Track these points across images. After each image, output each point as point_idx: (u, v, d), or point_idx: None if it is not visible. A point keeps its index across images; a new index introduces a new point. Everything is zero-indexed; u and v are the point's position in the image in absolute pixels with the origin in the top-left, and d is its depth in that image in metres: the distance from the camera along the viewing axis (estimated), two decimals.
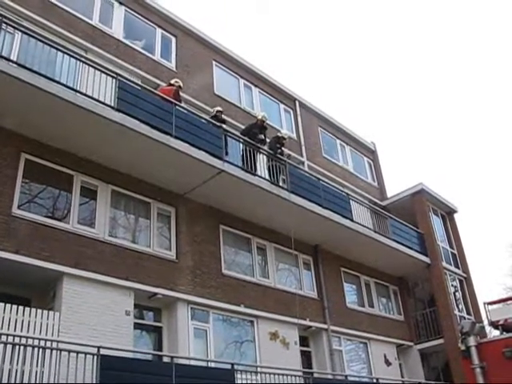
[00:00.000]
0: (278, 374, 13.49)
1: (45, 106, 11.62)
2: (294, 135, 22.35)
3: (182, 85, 15.65)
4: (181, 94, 15.67)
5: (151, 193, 14.56)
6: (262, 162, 16.62)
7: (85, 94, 12.23)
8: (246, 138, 16.38)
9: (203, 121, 15.43)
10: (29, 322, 10.46)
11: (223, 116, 16.74)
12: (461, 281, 24.91)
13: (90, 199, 13.27)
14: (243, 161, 15.78)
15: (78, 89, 12.21)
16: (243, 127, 17.85)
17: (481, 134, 77.09)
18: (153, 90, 14.64)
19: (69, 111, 11.87)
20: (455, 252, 25.76)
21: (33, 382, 9.30)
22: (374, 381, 17.58)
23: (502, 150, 74.01)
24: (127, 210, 14.25)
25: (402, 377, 21.39)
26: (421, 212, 24.41)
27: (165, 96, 14.40)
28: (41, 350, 9.67)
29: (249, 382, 12.81)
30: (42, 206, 12.33)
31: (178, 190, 15.08)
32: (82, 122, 12.19)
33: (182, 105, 15.36)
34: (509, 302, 8.99)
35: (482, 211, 68.50)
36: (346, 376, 16.71)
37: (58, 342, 10.24)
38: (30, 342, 9.66)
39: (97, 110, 12.21)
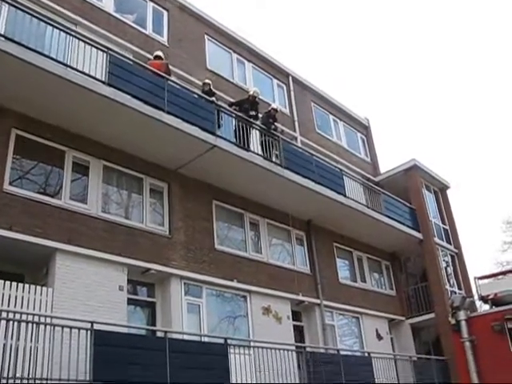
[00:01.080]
0: (271, 349, 13.62)
1: (35, 80, 11.47)
2: (287, 111, 22.26)
3: (162, 55, 15.54)
4: (173, 68, 15.54)
5: (144, 168, 14.51)
6: (254, 137, 16.56)
7: (75, 69, 12.09)
8: (239, 114, 16.30)
9: (195, 96, 15.34)
10: (22, 297, 10.48)
11: (212, 89, 16.56)
12: (452, 256, 25.11)
13: (82, 175, 13.21)
14: (236, 136, 15.71)
15: (68, 63, 12.06)
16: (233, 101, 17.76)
17: (475, 109, 77.03)
18: (144, 64, 14.48)
19: (59, 86, 11.74)
20: (447, 228, 25.92)
21: (27, 357, 9.34)
22: (366, 355, 17.75)
23: (497, 125, 74.04)
24: (120, 185, 14.21)
25: (394, 351, 21.62)
26: (413, 188, 24.48)
27: (156, 71, 14.27)
28: (35, 325, 9.70)
29: (242, 356, 12.92)
30: (33, 183, 12.27)
31: (171, 165, 15.04)
32: (72, 97, 12.06)
33: (174, 79, 15.25)
34: (499, 276, 9.07)
35: (475, 187, 68.74)
36: (338, 350, 16.88)
37: (51, 317, 10.28)
38: (23, 317, 9.69)
39: (88, 84, 12.08)
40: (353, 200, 19.59)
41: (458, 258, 25.32)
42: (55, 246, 11.72)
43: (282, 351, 13.90)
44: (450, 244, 25.36)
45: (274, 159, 16.69)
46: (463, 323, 7.34)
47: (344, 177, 20.01)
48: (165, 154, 14.50)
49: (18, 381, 9.13)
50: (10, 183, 11.70)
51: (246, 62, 21.21)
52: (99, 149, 13.53)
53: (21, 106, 12.06)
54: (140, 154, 14.33)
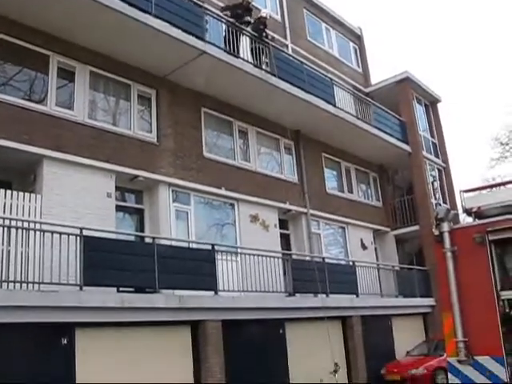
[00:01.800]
0: (258, 255, 13.93)
1: None
2: (279, 17, 21.61)
3: None
4: None
5: (131, 74, 14.18)
6: (245, 44, 16.16)
7: None
8: (229, 19, 15.83)
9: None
10: (11, 204, 10.53)
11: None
12: (440, 170, 25.35)
13: (68, 81, 12.89)
14: (226, 42, 15.32)
15: None
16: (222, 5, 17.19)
17: (470, 23, 75.28)
18: None
19: None
20: (436, 142, 26.01)
21: (18, 261, 9.50)
22: (350, 263, 18.23)
23: (492, 41, 72.69)
24: (107, 92, 13.94)
25: (377, 260, 22.24)
26: (404, 100, 24.27)
27: None
28: (24, 231, 9.80)
29: (229, 262, 13.21)
30: (18, 89, 11.94)
31: (159, 72, 14.70)
32: None
33: None
34: (484, 190, 9.19)
35: (467, 103, 68.37)
36: (323, 258, 17.29)
37: (40, 223, 10.39)
38: (13, 223, 9.77)
39: None
40: (342, 110, 19.45)
41: (445, 173, 25.60)
42: (42, 152, 11.63)
43: (268, 258, 14.23)
44: (438, 158, 25.53)
45: (264, 67, 16.37)
46: (446, 234, 7.46)
47: (334, 86, 19.77)
48: (153, 60, 14.13)
49: (11, 284, 9.33)
50: None
51: None
52: (85, 54, 13.13)
53: (1, 8, 11.53)
54: (127, 60, 13.95)
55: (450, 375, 7.54)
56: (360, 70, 26.60)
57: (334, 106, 19.06)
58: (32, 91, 12.25)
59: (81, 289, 10.05)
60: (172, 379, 11.38)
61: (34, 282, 9.61)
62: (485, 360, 7.09)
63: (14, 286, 9.42)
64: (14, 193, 10.71)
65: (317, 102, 18.08)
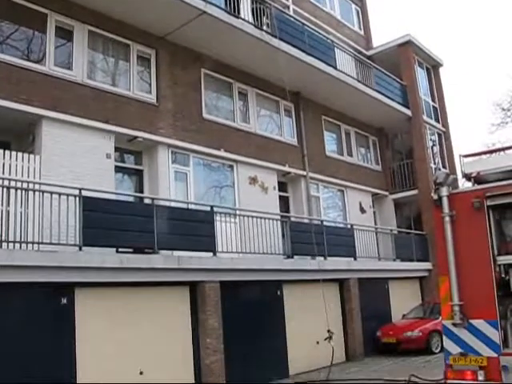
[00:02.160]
0: (256, 217, 13.98)
1: None
2: None
3: None
4: None
5: (131, 34, 14.00)
6: (245, 4, 15.92)
7: None
8: None
9: None
10: (10, 164, 10.50)
11: None
12: (439, 135, 25.28)
13: (66, 41, 12.73)
14: (226, 2, 15.09)
15: None
16: None
17: None
18: None
19: None
20: (437, 106, 25.88)
21: (18, 222, 9.54)
22: (349, 226, 18.32)
23: (496, 5, 71.54)
24: (106, 52, 13.78)
25: (376, 224, 22.36)
26: (406, 64, 24.02)
27: None
28: (23, 191, 9.80)
29: (228, 224, 13.27)
30: (15, 48, 11.78)
31: (159, 32, 14.51)
32: None
33: None
34: (484, 155, 9.15)
35: (469, 68, 67.69)
36: (321, 221, 17.38)
37: (39, 183, 10.38)
38: (12, 184, 9.77)
39: None
40: (343, 73, 19.28)
41: (444, 137, 25.53)
42: (41, 113, 11.55)
43: (266, 220, 14.29)
44: (438, 122, 25.43)
45: (265, 28, 16.18)
46: (445, 199, 7.45)
47: (336, 49, 19.57)
48: (152, 20, 13.93)
49: (11, 244, 9.38)
50: None
51: None
52: (83, 13, 12.92)
53: None
54: (127, 20, 13.74)
55: (444, 338, 7.63)
56: (362, 32, 26.24)
57: (335, 68, 18.89)
58: (30, 51, 12.09)
59: (80, 249, 10.11)
60: (170, 339, 11.57)
61: (33, 242, 9.66)
62: (479, 323, 7.17)
63: (14, 246, 9.47)
64: (13, 153, 10.68)
65: (317, 64, 17.92)
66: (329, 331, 12.48)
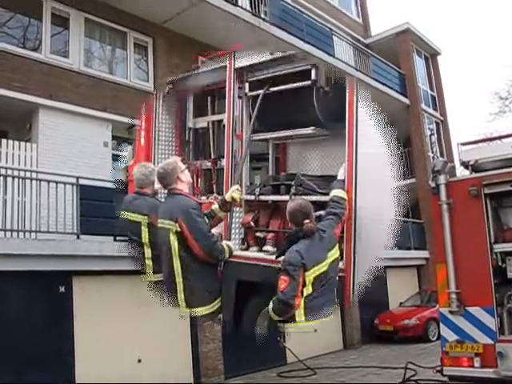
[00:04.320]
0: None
1: None
2: None
3: None
4: None
5: (128, 22, 13.90)
6: None
7: None
8: None
9: None
10: (6, 153, 10.48)
11: None
12: (438, 123, 25.25)
13: (62, 28, 12.67)
14: None
15: None
16: None
17: None
18: None
19: None
20: (435, 95, 25.82)
21: (15, 210, 9.52)
22: None
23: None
24: (102, 40, 13.71)
25: None
26: (404, 52, 23.97)
27: None
28: (20, 180, 9.79)
29: None
30: (11, 36, 11.72)
31: (156, 19, 14.40)
32: None
33: None
34: (482, 144, 9.15)
35: (467, 57, 67.54)
36: None
37: (36, 172, 10.36)
38: (9, 172, 9.75)
39: None
40: (341, 61, 19.19)
41: (442, 126, 25.49)
42: (37, 101, 11.51)
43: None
44: (436, 111, 25.39)
45: (262, 16, 16.08)
46: (442, 187, 7.46)
47: (334, 37, 19.47)
48: (149, 7, 13.80)
49: (8, 233, 9.38)
50: None
51: None
52: (79, 0, 12.83)
53: None
54: (123, 7, 13.64)
55: (441, 325, 7.68)
56: (360, 20, 26.09)
57: (333, 56, 18.80)
58: (26, 38, 12.03)
59: (78, 237, 10.11)
60: (167, 328, 11.58)
61: (30, 231, 9.67)
62: (476, 311, 7.22)
63: (11, 235, 9.47)
64: (10, 142, 10.65)
65: (315, 52, 17.82)
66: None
